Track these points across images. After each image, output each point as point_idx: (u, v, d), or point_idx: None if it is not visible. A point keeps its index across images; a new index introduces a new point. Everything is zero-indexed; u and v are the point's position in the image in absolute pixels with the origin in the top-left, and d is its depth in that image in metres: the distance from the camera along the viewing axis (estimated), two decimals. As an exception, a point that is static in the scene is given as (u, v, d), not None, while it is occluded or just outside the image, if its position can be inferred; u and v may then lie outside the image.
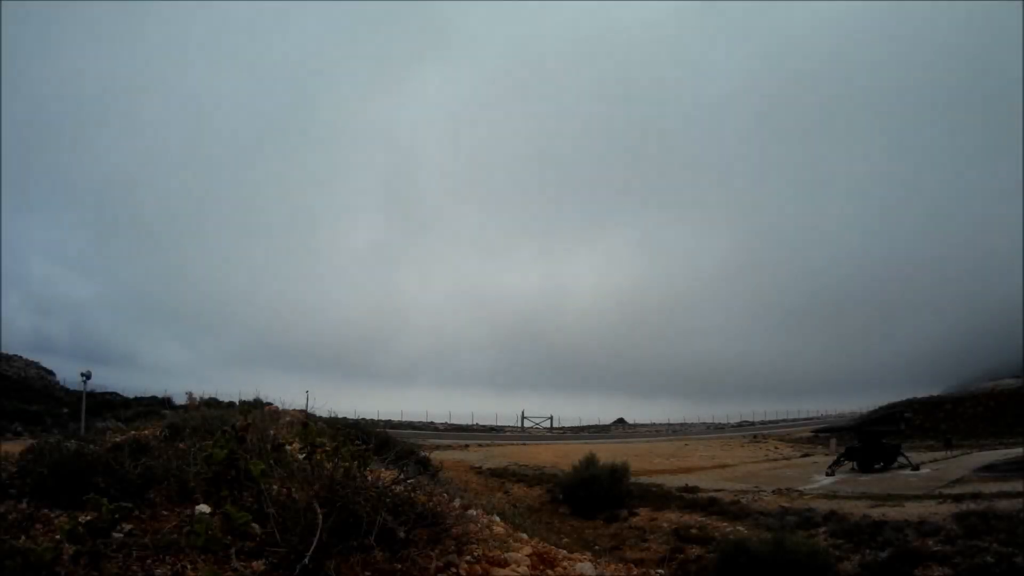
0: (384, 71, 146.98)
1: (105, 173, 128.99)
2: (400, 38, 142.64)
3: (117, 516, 3.06)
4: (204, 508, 3.29)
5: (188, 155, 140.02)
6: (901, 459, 24.44)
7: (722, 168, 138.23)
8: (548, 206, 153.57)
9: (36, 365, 51.51)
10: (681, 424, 62.19)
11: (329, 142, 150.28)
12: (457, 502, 4.83)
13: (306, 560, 2.69)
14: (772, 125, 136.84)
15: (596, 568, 3.77)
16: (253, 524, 2.97)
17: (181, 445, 5.14)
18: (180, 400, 17.60)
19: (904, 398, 48.90)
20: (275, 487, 3.53)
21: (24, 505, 3.67)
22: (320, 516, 2.87)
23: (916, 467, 23.54)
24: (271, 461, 3.79)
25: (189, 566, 2.78)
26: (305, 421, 6.38)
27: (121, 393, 44.75)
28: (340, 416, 18.55)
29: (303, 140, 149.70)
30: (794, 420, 56.56)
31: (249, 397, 14.03)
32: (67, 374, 49.06)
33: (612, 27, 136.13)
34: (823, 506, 15.79)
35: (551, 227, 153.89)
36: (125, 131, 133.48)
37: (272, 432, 5.43)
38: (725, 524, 14.77)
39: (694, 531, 14.38)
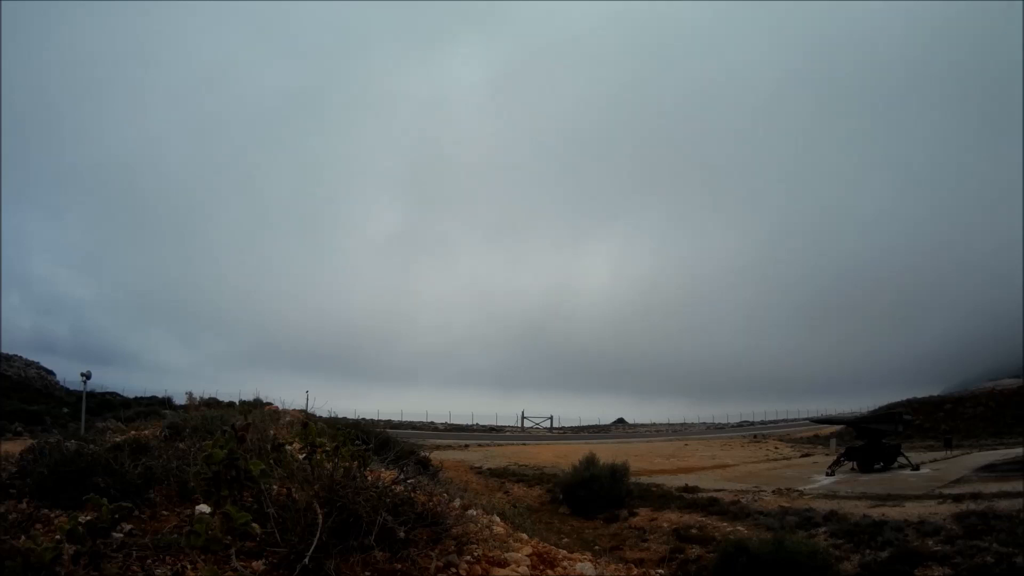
0: (406, 55, 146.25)
1: (106, 164, 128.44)
2: (424, 21, 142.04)
3: (117, 516, 3.06)
4: (204, 508, 3.29)
5: (193, 144, 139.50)
6: (901, 459, 24.45)
7: (729, 169, 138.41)
8: (562, 199, 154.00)
9: (36, 365, 51.53)
10: (681, 424, 62.23)
11: (344, 132, 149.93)
12: (457, 502, 4.83)
13: (306, 560, 2.69)
14: (777, 126, 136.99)
15: (596, 568, 3.76)
16: (253, 524, 2.97)
17: (181, 445, 5.15)
18: (180, 400, 17.60)
19: (904, 398, 48.99)
20: (275, 487, 3.54)
21: (24, 505, 3.67)
22: (320, 516, 2.87)
23: (916, 467, 23.54)
24: (271, 461, 3.79)
25: (189, 566, 2.78)
26: (305, 421, 6.38)
27: (121, 393, 44.85)
28: (340, 416, 18.61)
29: (317, 127, 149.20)
30: (794, 420, 56.54)
31: (249, 397, 14.06)
32: (67, 374, 49.31)
33: (622, 26, 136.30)
34: (823, 506, 15.78)
35: (564, 221, 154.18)
36: (127, 118, 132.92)
37: (272, 432, 5.43)
38: (725, 524, 14.76)
39: (694, 531, 14.37)
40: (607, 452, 23.15)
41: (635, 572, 4.45)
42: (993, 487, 16.68)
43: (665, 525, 15.23)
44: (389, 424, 42.18)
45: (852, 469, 24.54)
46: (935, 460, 26.69)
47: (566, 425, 60.96)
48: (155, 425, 9.50)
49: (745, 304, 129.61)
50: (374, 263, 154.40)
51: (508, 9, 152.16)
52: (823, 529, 13.42)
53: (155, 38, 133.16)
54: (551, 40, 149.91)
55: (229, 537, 2.90)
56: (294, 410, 13.27)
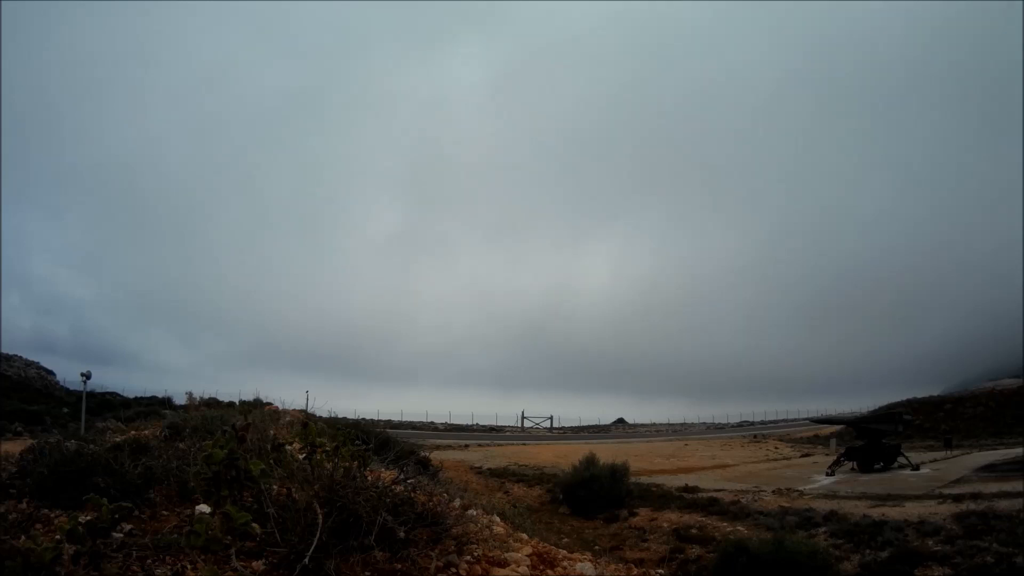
0: (406, 55, 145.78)
1: (106, 164, 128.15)
2: (424, 21, 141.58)
3: (117, 516, 3.06)
4: (204, 508, 3.28)
5: (193, 144, 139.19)
6: (901, 459, 24.45)
7: (729, 169, 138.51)
8: (562, 199, 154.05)
9: (36, 365, 51.51)
10: (681, 424, 62.23)
11: (344, 132, 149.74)
12: (457, 502, 4.83)
13: (306, 560, 2.69)
14: (777, 126, 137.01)
15: (596, 568, 3.76)
16: (253, 524, 2.97)
17: (181, 445, 5.15)
18: (180, 400, 17.61)
19: (904, 398, 49.00)
20: (275, 487, 3.53)
21: (24, 505, 3.67)
22: (320, 516, 2.87)
23: (916, 467, 23.53)
24: (271, 461, 3.79)
25: (189, 566, 2.78)
26: (305, 421, 6.38)
27: (121, 393, 44.85)
28: (340, 416, 18.61)
29: (317, 127, 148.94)
30: (794, 420, 56.54)
31: (249, 397, 14.06)
32: (67, 374, 49.33)
33: (622, 26, 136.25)
34: (823, 506, 15.78)
35: (565, 221, 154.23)
36: (127, 118, 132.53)
37: (272, 432, 5.43)
38: (725, 524, 14.75)
39: (694, 531, 14.37)
40: (607, 452, 23.14)
41: (635, 572, 4.45)
42: (993, 487, 16.68)
43: (665, 525, 15.22)
44: (389, 424, 42.19)
45: (852, 469, 24.54)
46: (935, 460, 26.68)
47: (566, 425, 60.96)
48: (155, 425, 9.50)
49: (745, 304, 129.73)
50: (374, 263, 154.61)
51: (508, 9, 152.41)
52: (823, 529, 13.41)
53: (155, 38, 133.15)
54: (551, 40, 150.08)
55: (229, 537, 2.90)
56: (294, 410, 13.27)
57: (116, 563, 2.74)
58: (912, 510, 14.41)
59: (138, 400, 36.51)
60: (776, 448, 37.96)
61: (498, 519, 4.96)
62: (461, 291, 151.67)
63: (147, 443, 5.32)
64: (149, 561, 2.81)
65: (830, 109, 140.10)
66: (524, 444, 39.85)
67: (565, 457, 25.28)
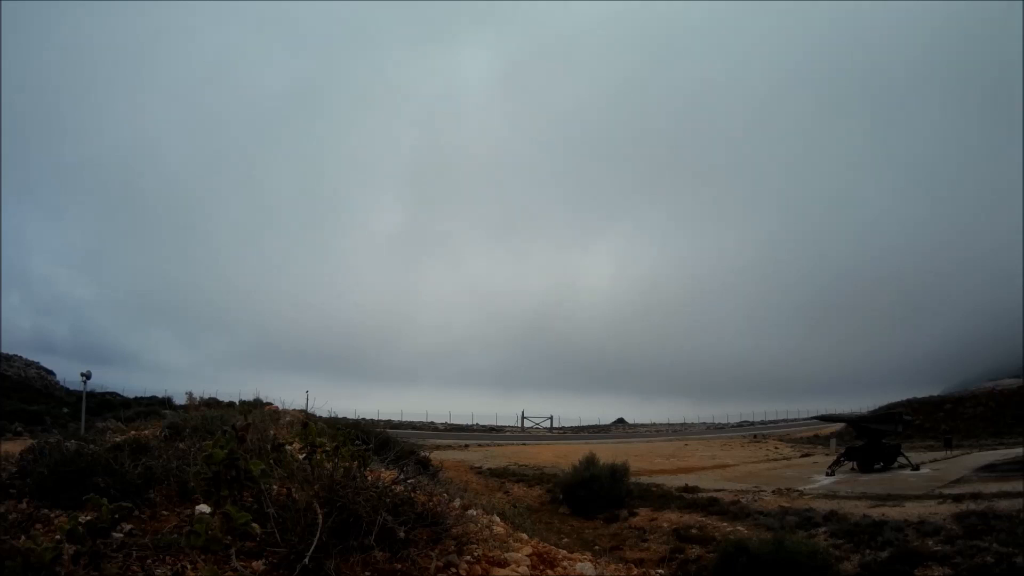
0: (410, 53, 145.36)
1: (106, 163, 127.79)
2: (429, 18, 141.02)
3: (117, 516, 3.06)
4: (204, 508, 3.29)
5: (194, 142, 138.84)
6: (901, 459, 24.45)
7: (729, 169, 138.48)
8: (565, 199, 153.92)
9: (36, 365, 51.52)
10: (681, 424, 62.24)
11: (347, 129, 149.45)
12: (457, 502, 4.83)
13: (306, 560, 2.69)
14: (777, 126, 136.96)
15: (596, 568, 3.76)
16: (253, 524, 2.97)
17: (181, 445, 5.14)
18: (180, 400, 17.59)
19: (904, 398, 48.98)
20: (275, 487, 3.54)
21: (24, 505, 3.67)
22: (320, 516, 2.87)
23: (916, 467, 23.53)
24: (271, 461, 3.79)
25: (189, 566, 2.78)
26: (305, 421, 6.38)
27: (121, 393, 44.86)
28: (340, 416, 18.60)
29: (320, 124, 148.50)
30: (794, 420, 56.55)
31: (249, 397, 14.04)
32: (67, 374, 49.34)
33: (623, 25, 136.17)
34: (823, 506, 15.78)
35: (568, 221, 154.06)
36: (127, 117, 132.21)
37: (272, 432, 5.43)
38: (725, 524, 14.75)
39: (694, 531, 14.36)
40: (607, 452, 23.14)
41: (635, 572, 4.45)
42: (993, 487, 16.68)
43: (665, 525, 15.22)
44: (389, 424, 42.19)
45: (852, 469, 24.54)
46: (935, 460, 26.67)
47: (566, 425, 60.96)
48: (155, 425, 9.49)
49: (745, 304, 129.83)
50: (376, 262, 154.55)
51: (512, 8, 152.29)
52: (823, 529, 13.41)
53: (156, 34, 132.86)
54: (554, 39, 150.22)
55: (229, 537, 2.90)
56: (294, 410, 13.25)
57: (116, 563, 2.74)
58: (912, 510, 14.41)
59: (138, 400, 36.49)
60: (776, 448, 37.96)
61: (498, 519, 4.96)
62: (462, 291, 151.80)
63: (147, 443, 5.32)
64: (149, 561, 2.81)
65: (830, 109, 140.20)
66: (524, 444, 39.84)
67: (565, 457, 25.28)
